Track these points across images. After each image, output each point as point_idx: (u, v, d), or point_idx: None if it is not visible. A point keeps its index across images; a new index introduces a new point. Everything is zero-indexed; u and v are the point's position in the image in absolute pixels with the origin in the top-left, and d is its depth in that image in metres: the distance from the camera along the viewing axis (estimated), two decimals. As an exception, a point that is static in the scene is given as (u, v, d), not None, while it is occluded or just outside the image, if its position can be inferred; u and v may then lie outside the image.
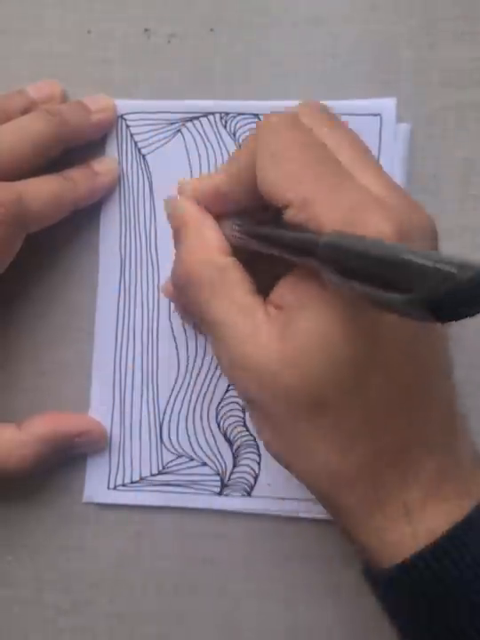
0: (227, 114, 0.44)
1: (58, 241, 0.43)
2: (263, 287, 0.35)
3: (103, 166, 0.44)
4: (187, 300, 0.36)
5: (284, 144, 0.33)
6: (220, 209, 0.36)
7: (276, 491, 0.43)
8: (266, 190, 0.33)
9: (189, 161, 0.44)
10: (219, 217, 0.36)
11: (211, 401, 0.44)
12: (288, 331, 0.32)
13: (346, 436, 0.32)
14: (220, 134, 0.44)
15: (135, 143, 0.44)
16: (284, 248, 0.32)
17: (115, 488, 0.44)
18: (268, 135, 0.33)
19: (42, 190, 0.41)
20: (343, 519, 0.34)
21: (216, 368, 0.44)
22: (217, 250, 0.35)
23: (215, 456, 0.44)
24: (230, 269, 0.34)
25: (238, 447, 0.44)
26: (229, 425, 0.44)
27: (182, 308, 0.41)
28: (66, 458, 0.44)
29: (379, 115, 0.42)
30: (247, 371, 0.33)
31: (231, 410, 0.44)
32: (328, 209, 0.31)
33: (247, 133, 0.43)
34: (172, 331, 0.44)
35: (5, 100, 0.43)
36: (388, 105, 0.42)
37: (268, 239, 0.33)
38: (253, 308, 0.34)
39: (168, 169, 0.44)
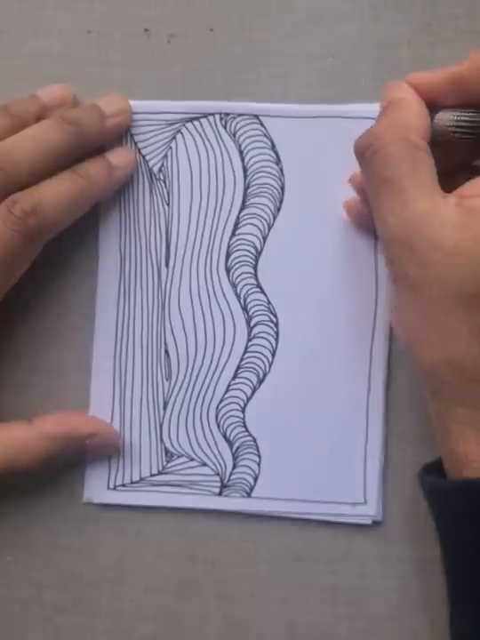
0: (227, 114, 0.44)
1: (58, 240, 0.43)
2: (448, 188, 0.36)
3: (119, 159, 0.43)
4: (366, 170, 0.37)
5: None
6: (446, 101, 0.38)
7: (275, 491, 0.43)
8: None
9: (189, 161, 0.44)
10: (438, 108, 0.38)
11: (211, 401, 0.44)
12: (472, 220, 0.33)
13: None
14: (220, 135, 0.44)
15: (135, 144, 0.44)
16: None
17: (115, 488, 0.44)
18: None
19: (59, 196, 0.40)
20: (445, 416, 0.35)
21: (216, 368, 0.44)
22: (413, 131, 0.36)
23: (215, 456, 0.44)
24: (421, 150, 0.35)
25: (238, 448, 0.44)
26: (229, 425, 0.44)
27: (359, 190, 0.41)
28: (75, 458, 0.44)
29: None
30: (416, 246, 0.34)
31: (231, 410, 0.44)
32: None
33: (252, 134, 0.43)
34: (172, 330, 0.44)
35: (18, 105, 0.42)
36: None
37: None
38: (436, 190, 0.35)
39: (169, 169, 0.44)
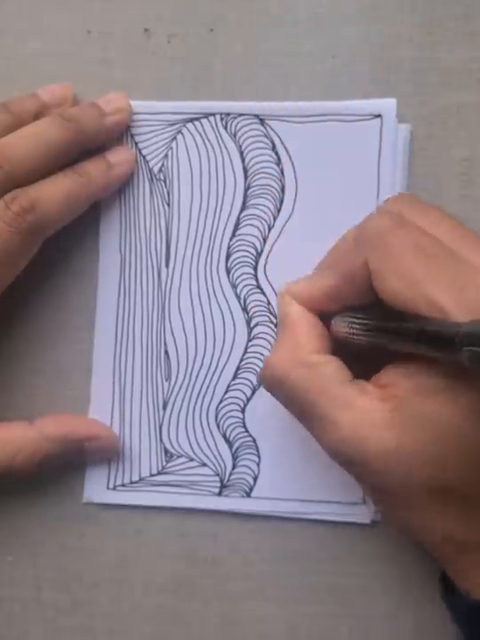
0: (227, 114, 0.44)
1: (58, 240, 0.43)
2: (362, 369, 0.35)
3: (118, 157, 0.43)
4: (279, 399, 0.37)
5: (398, 247, 0.33)
6: (330, 308, 0.37)
7: (275, 491, 0.43)
8: (387, 297, 0.33)
9: (190, 162, 0.44)
10: (328, 314, 0.37)
11: (211, 401, 0.44)
12: (407, 417, 0.32)
13: (471, 509, 0.33)
14: (220, 135, 0.44)
15: (136, 144, 0.44)
16: (412, 341, 0.32)
17: (114, 488, 0.44)
18: (377, 240, 0.34)
19: (57, 194, 0.40)
20: (457, 572, 0.36)
21: (216, 368, 0.44)
22: (308, 349, 0.36)
23: (215, 456, 0.44)
24: (322, 365, 0.35)
25: (238, 448, 0.44)
26: (229, 425, 0.44)
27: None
28: (73, 460, 0.44)
29: (379, 116, 0.42)
30: (360, 461, 0.33)
31: (231, 410, 0.44)
32: (456, 303, 0.31)
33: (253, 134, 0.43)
34: (172, 330, 0.44)
35: (18, 103, 0.42)
36: (388, 105, 0.42)
37: (393, 333, 0.34)
38: (352, 397, 0.34)
39: (169, 169, 0.44)
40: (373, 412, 0.33)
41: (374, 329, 0.35)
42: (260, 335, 0.44)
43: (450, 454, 0.32)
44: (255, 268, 0.44)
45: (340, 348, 0.37)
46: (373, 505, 0.36)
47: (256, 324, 0.44)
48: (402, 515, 0.35)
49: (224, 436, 0.44)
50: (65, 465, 0.44)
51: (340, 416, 0.34)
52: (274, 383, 0.37)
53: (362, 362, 0.36)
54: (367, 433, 0.33)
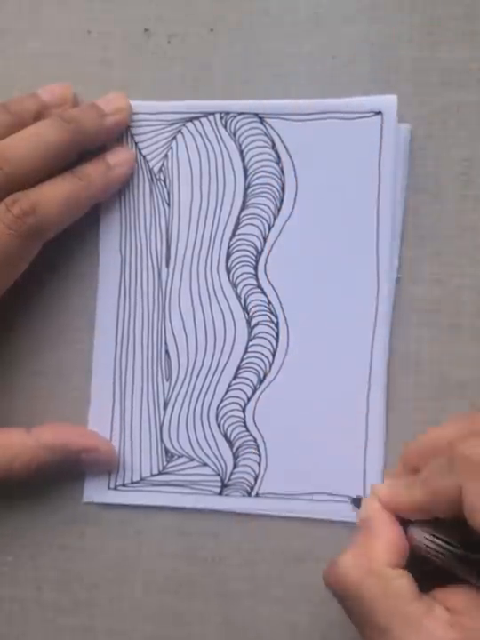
0: (227, 113, 0.44)
1: (58, 241, 0.43)
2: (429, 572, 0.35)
3: (117, 158, 0.43)
4: (340, 601, 0.36)
5: None
6: (415, 517, 0.36)
7: (276, 491, 0.43)
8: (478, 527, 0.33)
9: (190, 161, 0.44)
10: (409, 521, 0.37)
11: (211, 401, 0.44)
12: None
13: None
14: (220, 134, 0.44)
15: (136, 144, 0.44)
16: None
17: (115, 488, 0.44)
18: (474, 470, 0.33)
19: (57, 197, 0.40)
20: None
21: (216, 368, 0.44)
22: (383, 561, 0.35)
23: (215, 456, 0.44)
24: (394, 579, 0.35)
25: (238, 447, 0.44)
26: (230, 425, 0.44)
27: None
28: (70, 470, 0.44)
29: (380, 113, 0.42)
30: None
31: (231, 410, 0.44)
32: None
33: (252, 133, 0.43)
34: (173, 330, 0.44)
35: (18, 103, 0.42)
36: (389, 102, 0.42)
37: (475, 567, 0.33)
38: (419, 616, 0.33)
39: (169, 169, 0.44)
40: (440, 637, 0.33)
41: (455, 558, 0.35)
42: (261, 334, 0.44)
43: None
44: (255, 268, 0.44)
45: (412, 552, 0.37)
46: None
47: (256, 324, 0.44)
48: None
49: (225, 435, 0.44)
50: (60, 475, 0.44)
51: (405, 636, 0.33)
52: (341, 588, 0.36)
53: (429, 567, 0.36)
54: None
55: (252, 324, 0.44)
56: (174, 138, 0.44)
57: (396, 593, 0.34)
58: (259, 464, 0.44)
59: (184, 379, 0.44)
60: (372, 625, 0.34)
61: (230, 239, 0.44)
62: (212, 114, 0.44)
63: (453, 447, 0.34)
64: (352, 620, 0.36)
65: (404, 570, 0.35)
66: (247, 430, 0.44)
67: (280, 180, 0.43)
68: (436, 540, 0.36)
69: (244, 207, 0.44)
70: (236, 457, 0.44)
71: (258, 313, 0.44)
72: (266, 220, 0.44)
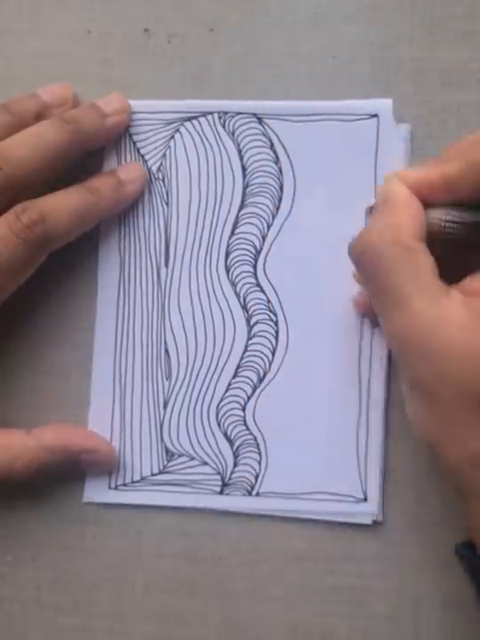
0: (225, 113, 0.44)
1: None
2: (449, 278, 0.35)
3: (129, 174, 0.43)
4: (363, 271, 0.37)
5: None
6: (442, 199, 0.37)
7: (277, 489, 0.43)
8: None
9: (188, 161, 0.44)
10: (429, 205, 0.37)
11: (211, 400, 0.44)
12: None
13: None
14: (218, 134, 0.44)
15: (134, 143, 0.44)
16: None
17: (115, 488, 0.44)
18: None
19: (67, 208, 0.41)
20: (474, 501, 0.35)
21: (216, 367, 0.44)
22: (409, 233, 0.35)
23: (216, 455, 0.44)
24: (419, 252, 0.35)
25: (239, 446, 0.44)
26: (230, 424, 0.44)
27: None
28: (71, 471, 0.44)
29: (376, 116, 0.42)
30: (426, 354, 0.34)
31: (231, 409, 0.44)
32: None
33: (251, 132, 0.43)
34: (172, 329, 0.44)
35: (18, 103, 0.42)
36: (384, 105, 0.43)
37: None
38: (439, 291, 0.34)
39: (168, 169, 0.44)
40: (453, 312, 0.34)
41: (473, 229, 0.36)
42: (260, 333, 0.44)
43: None
44: (254, 267, 0.44)
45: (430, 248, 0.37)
46: (406, 407, 0.36)
47: (256, 322, 0.44)
48: (436, 423, 0.35)
49: (225, 434, 0.44)
50: (60, 477, 0.44)
51: (420, 303, 0.34)
52: (366, 255, 0.36)
53: (447, 267, 0.36)
54: (442, 328, 0.33)
55: (252, 323, 0.44)
56: (172, 137, 0.44)
57: (420, 265, 0.35)
58: (259, 463, 0.44)
59: (184, 378, 0.44)
60: (393, 294, 0.35)
61: (229, 238, 0.44)
62: (211, 113, 0.44)
63: None
64: (370, 289, 0.37)
65: (425, 245, 0.36)
66: (247, 429, 0.44)
67: (278, 179, 0.43)
68: (454, 213, 0.36)
69: (242, 206, 0.44)
70: (236, 456, 0.44)
71: (257, 311, 0.44)
72: (265, 218, 0.44)
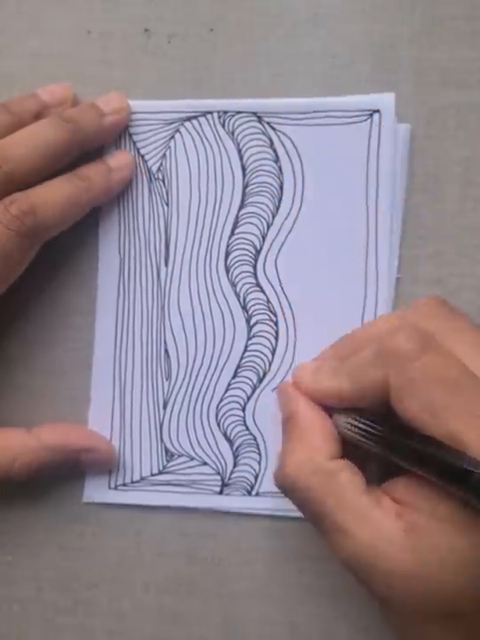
0: (225, 112, 0.44)
1: (57, 241, 0.43)
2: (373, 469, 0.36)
3: (118, 161, 0.43)
4: (293, 501, 0.36)
5: (421, 375, 0.33)
6: (338, 406, 0.37)
7: (276, 489, 0.43)
8: (405, 418, 0.33)
9: (188, 161, 0.44)
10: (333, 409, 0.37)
11: (210, 400, 0.44)
12: (425, 544, 0.32)
13: (477, 633, 0.33)
14: (218, 133, 0.44)
15: (134, 143, 0.44)
16: (424, 465, 0.32)
17: (115, 488, 0.44)
18: (400, 363, 0.34)
19: (57, 198, 0.40)
20: None
21: (216, 367, 0.44)
22: (324, 456, 0.35)
23: (215, 455, 0.44)
24: (339, 472, 0.35)
25: (238, 446, 0.44)
26: (229, 424, 0.44)
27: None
28: (70, 470, 0.44)
29: (378, 111, 0.42)
30: (374, 577, 0.33)
31: (231, 409, 0.44)
32: (477, 439, 0.31)
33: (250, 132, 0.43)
34: (172, 329, 0.44)
35: (18, 103, 0.42)
36: (386, 100, 0.42)
37: (403, 451, 0.33)
38: (368, 509, 0.34)
39: (167, 169, 0.44)
40: (389, 529, 0.33)
41: (382, 443, 0.34)
42: (260, 333, 0.44)
43: (468, 585, 0.32)
44: (254, 267, 0.44)
45: (346, 444, 0.36)
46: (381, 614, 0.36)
47: (256, 323, 0.44)
48: (405, 631, 0.34)
49: (225, 434, 0.44)
50: (59, 476, 0.44)
51: (355, 529, 0.33)
52: (289, 489, 0.36)
53: (371, 461, 0.36)
54: (382, 551, 0.33)
55: (252, 323, 0.44)
56: (172, 137, 0.44)
57: (342, 487, 0.34)
58: (259, 463, 0.44)
59: (183, 378, 0.44)
60: (324, 523, 0.35)
61: (229, 238, 0.44)
62: (210, 113, 0.44)
63: (381, 340, 0.35)
64: (307, 517, 0.36)
65: (344, 460, 0.35)
66: (247, 429, 0.44)
67: (278, 178, 0.43)
68: (360, 424, 0.35)
69: (242, 206, 0.44)
70: (236, 456, 0.44)
71: (257, 312, 0.44)
72: (265, 218, 0.44)
